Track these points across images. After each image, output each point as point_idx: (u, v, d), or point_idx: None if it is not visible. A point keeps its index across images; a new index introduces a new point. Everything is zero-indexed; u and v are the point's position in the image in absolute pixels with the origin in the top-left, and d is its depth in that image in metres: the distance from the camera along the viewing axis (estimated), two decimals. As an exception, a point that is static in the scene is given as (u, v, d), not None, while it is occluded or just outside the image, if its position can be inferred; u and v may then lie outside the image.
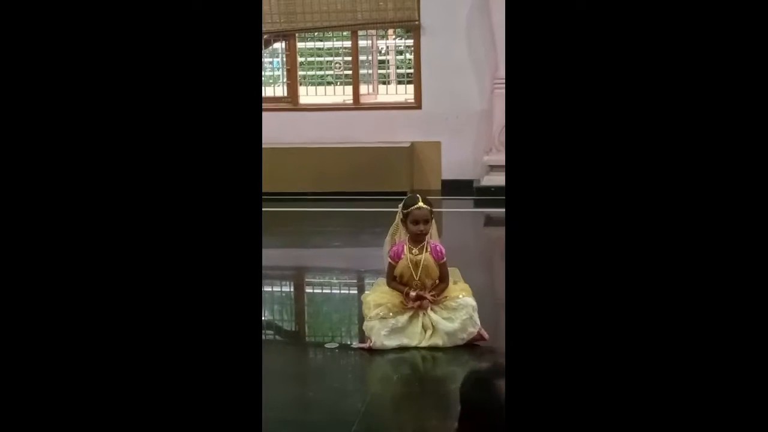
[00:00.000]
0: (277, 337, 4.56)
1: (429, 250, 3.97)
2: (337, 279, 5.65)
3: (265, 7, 8.08)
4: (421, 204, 3.92)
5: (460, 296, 3.97)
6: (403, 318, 3.92)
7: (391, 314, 3.92)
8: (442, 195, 7.76)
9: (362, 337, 4.03)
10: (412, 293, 3.93)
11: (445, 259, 4.02)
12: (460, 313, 3.90)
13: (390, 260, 4.05)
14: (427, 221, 3.93)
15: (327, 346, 4.16)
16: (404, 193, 7.62)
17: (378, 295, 4.07)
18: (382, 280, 4.18)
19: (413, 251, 3.97)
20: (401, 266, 3.99)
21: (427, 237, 3.99)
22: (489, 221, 6.94)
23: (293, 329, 4.81)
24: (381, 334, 3.89)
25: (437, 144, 8.04)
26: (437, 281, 4.02)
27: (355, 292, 5.14)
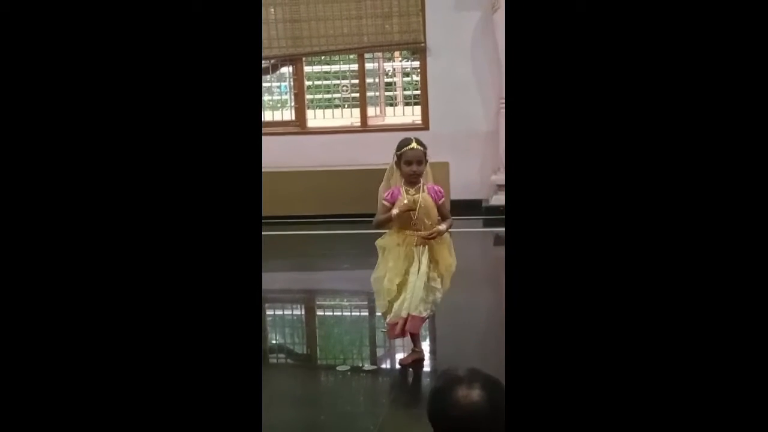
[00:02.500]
0: (288, 360, 4.57)
1: (425, 191, 3.91)
2: (347, 301, 5.66)
3: (271, 32, 8.15)
4: (414, 145, 3.87)
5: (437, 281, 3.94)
6: (410, 281, 3.88)
7: (395, 292, 3.89)
8: (451, 215, 7.73)
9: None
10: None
11: (443, 199, 3.97)
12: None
13: (384, 202, 3.96)
14: (420, 162, 3.87)
15: (338, 368, 4.18)
16: (413, 214, 7.68)
17: (385, 280, 3.94)
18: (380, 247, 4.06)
19: (410, 192, 3.91)
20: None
21: (422, 179, 3.92)
22: (498, 240, 6.94)
23: (304, 352, 4.82)
24: (403, 308, 3.86)
25: (445, 164, 8.03)
26: (438, 221, 3.95)
27: (366, 314, 5.14)
